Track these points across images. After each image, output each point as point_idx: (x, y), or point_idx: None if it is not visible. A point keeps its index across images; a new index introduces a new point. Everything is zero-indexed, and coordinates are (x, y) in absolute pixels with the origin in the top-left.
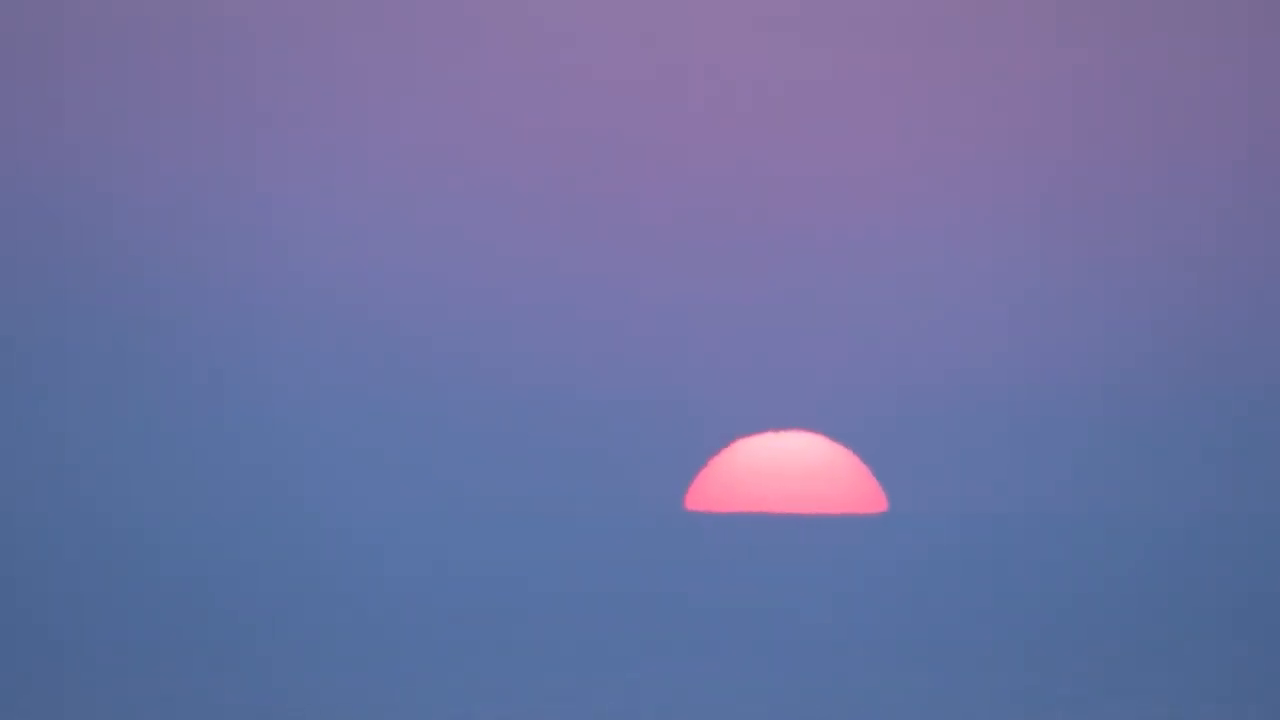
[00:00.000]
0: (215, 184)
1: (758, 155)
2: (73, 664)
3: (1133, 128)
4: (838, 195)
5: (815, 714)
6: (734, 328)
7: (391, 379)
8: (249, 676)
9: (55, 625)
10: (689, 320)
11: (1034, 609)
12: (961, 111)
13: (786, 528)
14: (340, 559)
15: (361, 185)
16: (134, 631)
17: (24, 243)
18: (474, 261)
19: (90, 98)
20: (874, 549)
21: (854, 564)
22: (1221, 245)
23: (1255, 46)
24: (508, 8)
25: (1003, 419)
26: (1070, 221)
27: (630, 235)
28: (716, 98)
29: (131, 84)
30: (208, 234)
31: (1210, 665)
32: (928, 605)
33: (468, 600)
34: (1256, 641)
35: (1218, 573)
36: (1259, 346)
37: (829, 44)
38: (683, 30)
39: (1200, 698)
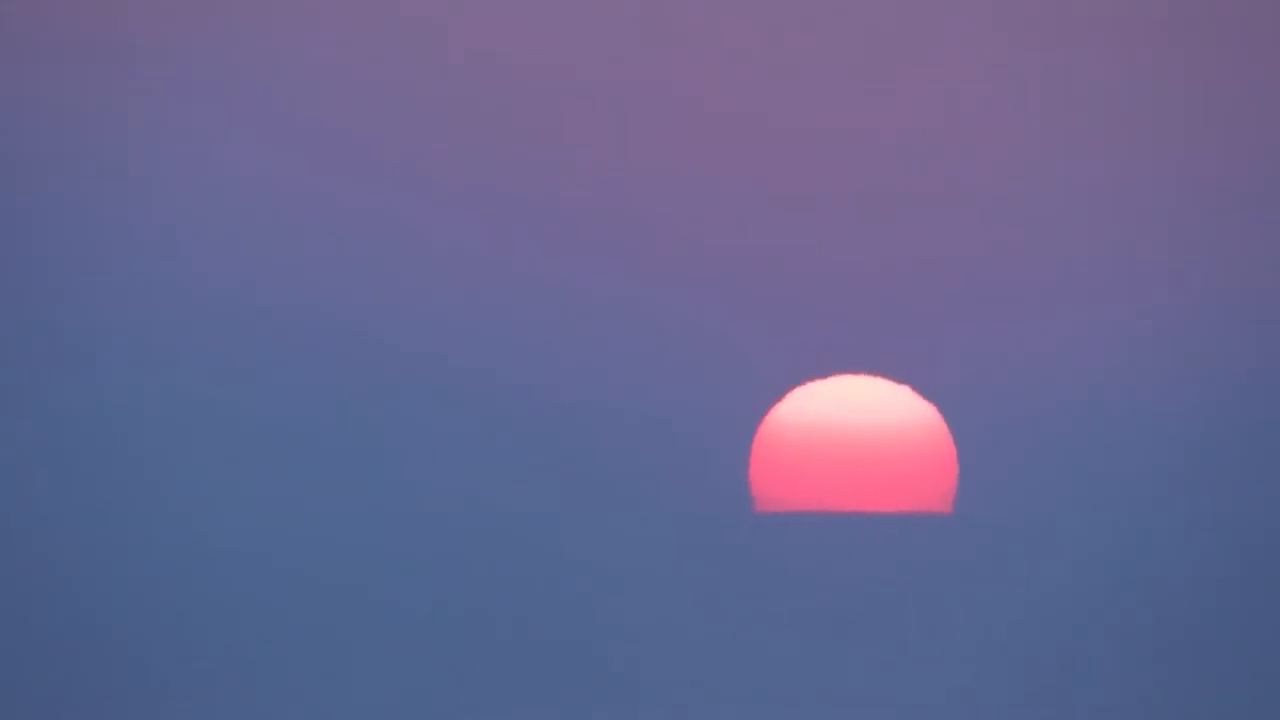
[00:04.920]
0: (207, 182)
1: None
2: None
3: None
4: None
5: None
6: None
7: (410, 386)
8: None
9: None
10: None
11: (1126, 621)
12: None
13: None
14: (397, 566)
15: (377, 183)
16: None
17: None
18: (492, 261)
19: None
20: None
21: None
22: None
23: None
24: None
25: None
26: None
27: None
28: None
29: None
30: (198, 234)
31: None
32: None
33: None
34: None
35: None
36: None
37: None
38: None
39: None
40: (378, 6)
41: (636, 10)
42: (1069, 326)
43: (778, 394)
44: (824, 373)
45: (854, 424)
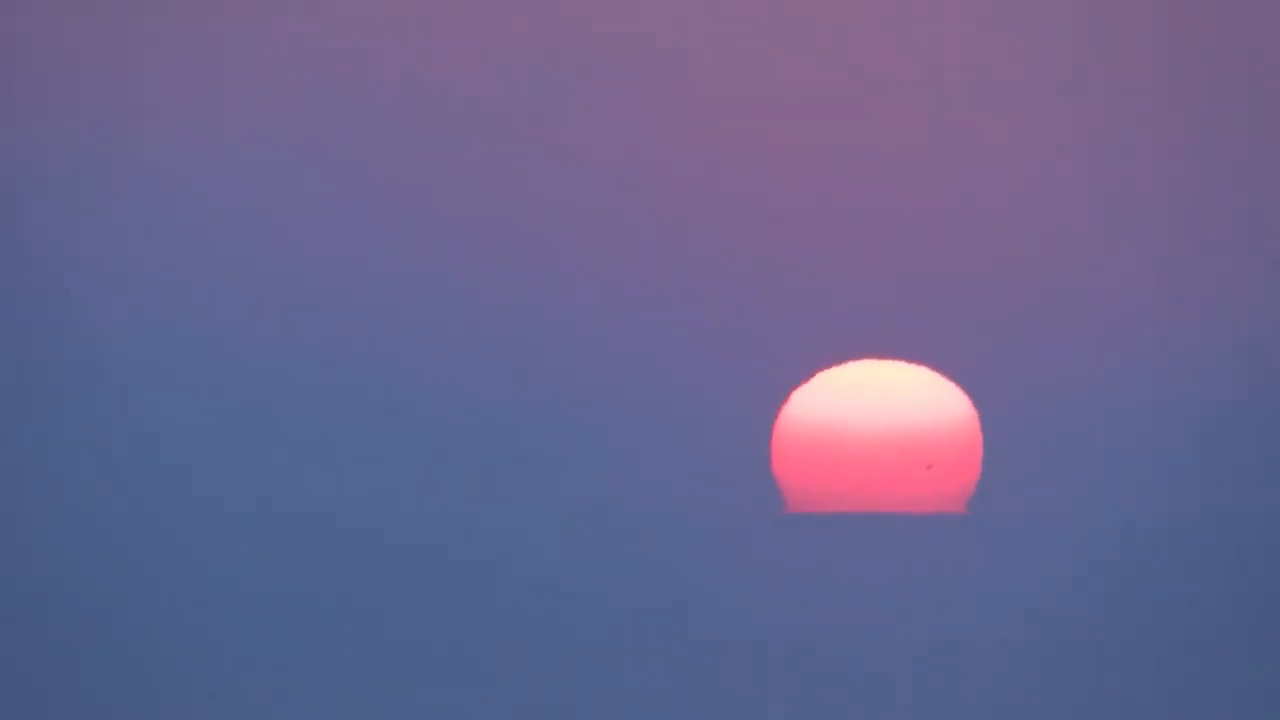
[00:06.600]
0: (210, 177)
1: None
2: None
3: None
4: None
5: None
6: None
7: (423, 386)
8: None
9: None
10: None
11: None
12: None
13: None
14: (410, 570)
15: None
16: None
17: None
18: (504, 260)
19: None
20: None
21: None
22: None
23: None
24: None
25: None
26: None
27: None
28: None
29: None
30: (200, 228)
31: None
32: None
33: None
34: None
35: None
36: None
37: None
38: None
39: None
40: (380, 5)
41: (651, 1)
42: (1100, 323)
43: (797, 382)
44: (844, 359)
45: (877, 418)
